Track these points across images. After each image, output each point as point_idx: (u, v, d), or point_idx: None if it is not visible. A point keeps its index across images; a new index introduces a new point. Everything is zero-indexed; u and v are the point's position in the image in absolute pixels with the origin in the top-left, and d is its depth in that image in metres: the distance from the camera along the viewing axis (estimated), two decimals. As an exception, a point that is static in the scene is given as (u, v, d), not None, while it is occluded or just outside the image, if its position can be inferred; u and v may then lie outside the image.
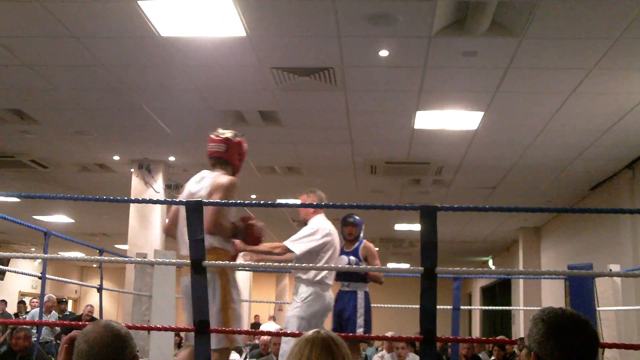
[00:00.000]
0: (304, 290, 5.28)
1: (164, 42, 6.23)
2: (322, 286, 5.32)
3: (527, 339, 2.02)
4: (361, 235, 6.11)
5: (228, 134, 4.40)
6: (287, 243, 5.27)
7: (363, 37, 6.05)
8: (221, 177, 4.23)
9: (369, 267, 5.88)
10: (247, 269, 16.23)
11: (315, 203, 5.43)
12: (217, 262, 4.07)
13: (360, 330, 5.79)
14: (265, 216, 15.21)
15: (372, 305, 6.06)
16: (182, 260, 4.23)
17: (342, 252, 5.98)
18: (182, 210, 4.13)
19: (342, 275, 5.97)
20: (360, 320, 5.82)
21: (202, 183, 4.25)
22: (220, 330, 3.95)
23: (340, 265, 5.70)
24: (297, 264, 5.27)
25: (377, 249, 6.22)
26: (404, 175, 10.99)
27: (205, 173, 4.36)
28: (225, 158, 4.37)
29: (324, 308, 5.35)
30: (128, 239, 10.74)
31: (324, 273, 5.30)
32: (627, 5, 5.34)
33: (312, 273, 5.28)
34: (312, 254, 5.29)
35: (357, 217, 6.12)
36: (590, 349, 1.96)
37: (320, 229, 5.36)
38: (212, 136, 4.42)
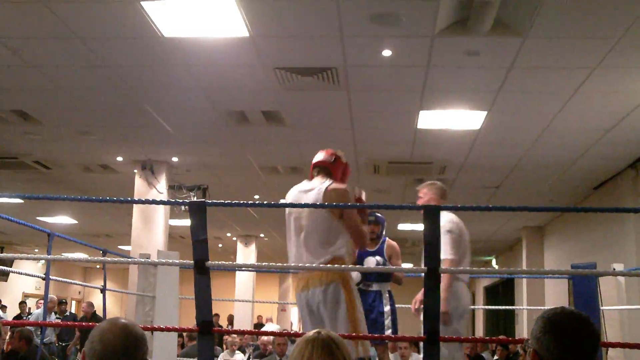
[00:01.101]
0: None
1: (167, 43, 6.23)
2: (460, 283, 5.00)
3: (529, 337, 2.02)
4: (383, 233, 5.88)
5: (339, 152, 4.41)
6: (451, 257, 4.85)
7: (366, 37, 6.04)
8: (334, 185, 4.18)
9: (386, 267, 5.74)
10: (250, 269, 16.27)
11: (434, 197, 5.13)
12: (219, 262, 4.07)
13: (388, 332, 5.68)
14: (268, 216, 15.24)
15: None
16: (184, 261, 4.23)
17: (367, 253, 5.74)
18: (292, 220, 4.19)
19: (368, 276, 5.76)
20: (387, 322, 5.73)
21: (313, 191, 4.18)
22: (223, 331, 3.94)
23: (367, 267, 5.56)
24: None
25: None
26: (407, 174, 10.98)
27: (313, 182, 4.28)
28: (330, 169, 4.32)
29: (464, 306, 4.99)
30: (131, 239, 10.74)
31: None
32: (629, 4, 5.33)
33: None
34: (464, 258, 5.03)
35: (379, 215, 5.86)
36: (588, 347, 1.95)
37: (453, 225, 4.99)
38: (322, 151, 4.40)
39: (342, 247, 4.12)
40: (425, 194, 5.18)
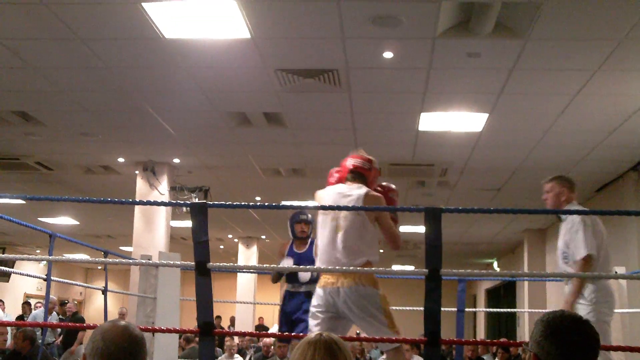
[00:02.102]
0: (590, 289, 4.50)
1: (168, 44, 6.23)
2: (609, 282, 4.68)
3: (529, 341, 2.02)
4: (311, 234, 5.95)
5: (372, 158, 4.46)
6: (587, 253, 4.48)
7: (367, 39, 6.04)
8: (372, 193, 4.27)
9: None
10: (251, 271, 16.27)
11: (564, 190, 4.82)
12: (220, 264, 4.07)
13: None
14: (269, 218, 15.23)
15: None
16: (186, 263, 4.23)
17: (292, 253, 5.91)
18: (329, 220, 4.23)
19: (290, 277, 5.90)
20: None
21: (352, 197, 4.23)
22: (224, 333, 3.94)
23: (286, 266, 5.56)
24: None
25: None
26: (409, 177, 10.98)
27: (351, 187, 4.30)
28: (366, 176, 4.38)
29: (614, 301, 4.69)
30: (133, 240, 10.75)
31: (606, 261, 4.60)
32: (631, 6, 5.32)
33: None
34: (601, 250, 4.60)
35: (310, 215, 6.00)
36: (588, 350, 1.95)
37: (588, 220, 4.61)
38: (358, 153, 4.45)
39: (376, 254, 4.24)
40: (552, 188, 4.87)
